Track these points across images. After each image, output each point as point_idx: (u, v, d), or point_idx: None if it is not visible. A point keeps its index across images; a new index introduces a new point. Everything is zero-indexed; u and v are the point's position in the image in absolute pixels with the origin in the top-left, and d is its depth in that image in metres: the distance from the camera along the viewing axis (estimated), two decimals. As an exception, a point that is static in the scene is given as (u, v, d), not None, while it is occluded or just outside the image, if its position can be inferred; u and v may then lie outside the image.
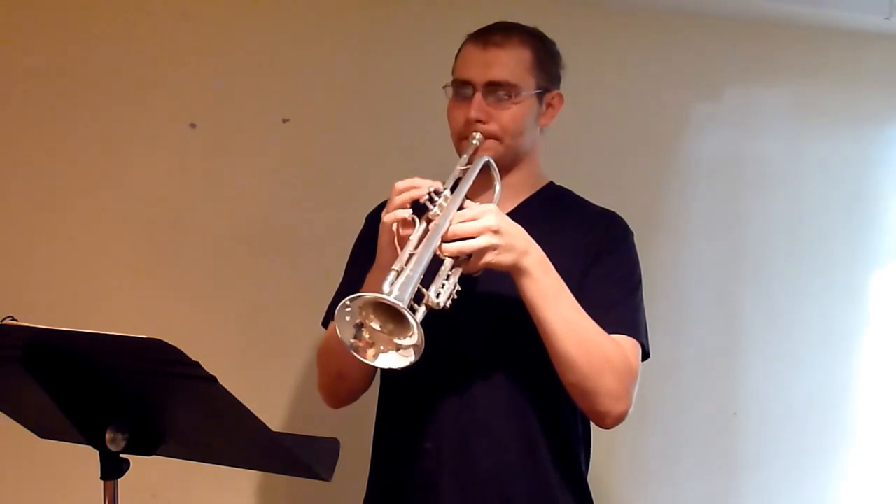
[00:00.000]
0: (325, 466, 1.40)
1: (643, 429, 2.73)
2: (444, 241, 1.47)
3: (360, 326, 1.39)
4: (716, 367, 2.94)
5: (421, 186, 1.52)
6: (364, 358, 1.40)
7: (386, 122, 2.48)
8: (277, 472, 1.92)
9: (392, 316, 1.37)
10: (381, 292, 1.37)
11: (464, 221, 1.49)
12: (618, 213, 1.80)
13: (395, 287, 1.38)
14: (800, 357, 3.05)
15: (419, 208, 1.53)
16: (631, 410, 1.65)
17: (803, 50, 2.98)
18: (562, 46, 1.79)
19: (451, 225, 1.48)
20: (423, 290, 1.42)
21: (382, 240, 1.55)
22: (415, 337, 1.35)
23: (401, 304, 1.34)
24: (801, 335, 3.04)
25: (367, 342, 1.40)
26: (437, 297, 1.43)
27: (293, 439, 1.44)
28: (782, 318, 3.01)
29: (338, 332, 1.38)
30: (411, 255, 1.45)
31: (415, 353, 1.37)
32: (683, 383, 2.87)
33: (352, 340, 1.39)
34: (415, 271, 1.40)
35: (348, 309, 1.38)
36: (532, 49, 1.71)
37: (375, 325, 1.39)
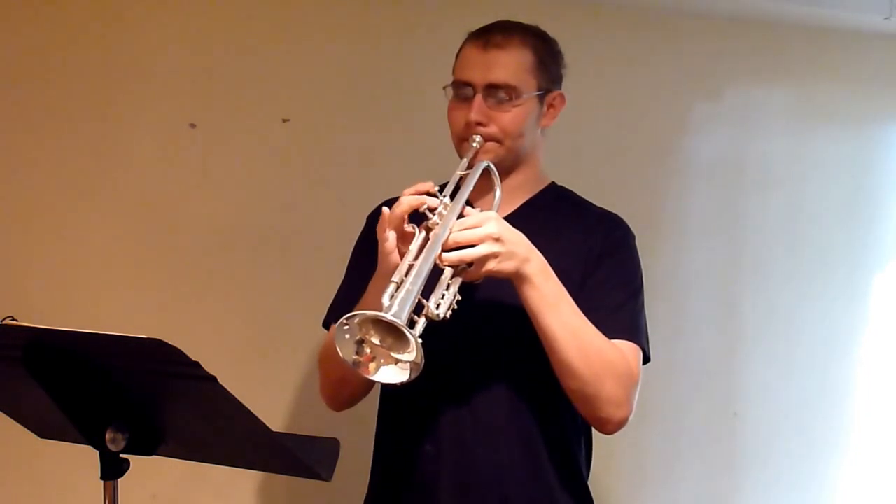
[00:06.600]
0: (325, 466, 1.40)
1: (643, 429, 2.73)
2: (444, 250, 1.46)
3: (360, 342, 1.38)
4: (716, 367, 2.94)
5: (423, 198, 1.51)
6: (366, 373, 1.39)
7: (386, 122, 2.48)
8: (277, 472, 1.92)
9: (391, 330, 1.36)
10: (381, 305, 1.36)
11: (464, 229, 1.48)
12: (618, 214, 1.80)
13: (395, 302, 1.36)
14: (800, 357, 3.05)
15: (418, 217, 1.51)
16: (632, 416, 1.65)
17: (803, 50, 2.98)
18: (561, 46, 1.78)
19: (451, 233, 1.47)
20: (423, 301, 1.40)
21: (380, 248, 1.53)
22: (414, 353, 1.35)
23: (399, 322, 1.33)
24: (800, 335, 3.04)
25: (369, 357, 1.39)
26: (437, 308, 1.41)
27: (293, 439, 1.44)
28: (782, 318, 3.01)
29: (339, 350, 1.37)
30: (411, 266, 1.44)
31: (413, 370, 1.36)
32: (683, 383, 2.87)
33: (354, 357, 1.38)
34: (415, 284, 1.39)
35: (346, 327, 1.36)
36: (533, 49, 1.70)
37: (375, 340, 1.38)
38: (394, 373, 1.38)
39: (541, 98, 1.72)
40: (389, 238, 1.51)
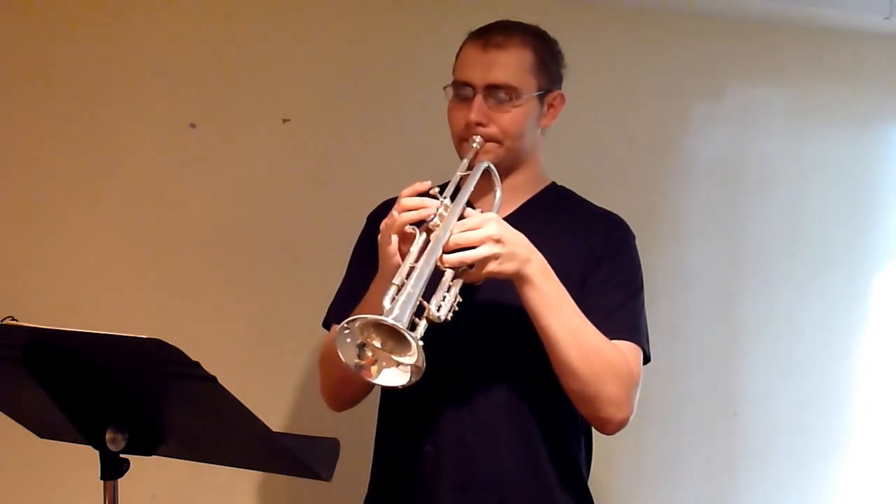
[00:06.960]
0: (325, 466, 1.40)
1: (643, 429, 2.73)
2: (445, 251, 1.46)
3: (362, 346, 1.38)
4: (716, 367, 2.94)
5: (429, 206, 1.50)
6: (368, 376, 1.39)
7: (386, 121, 2.48)
8: (278, 472, 1.92)
9: (392, 333, 1.36)
10: (382, 308, 1.36)
11: (465, 231, 1.48)
12: (618, 214, 1.80)
13: (396, 305, 1.36)
14: (799, 357, 3.05)
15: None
16: (633, 417, 1.65)
17: (803, 50, 2.98)
18: (561, 46, 1.78)
19: (451, 235, 1.47)
20: (425, 303, 1.40)
21: (383, 251, 1.53)
22: (415, 356, 1.34)
23: (400, 326, 1.33)
24: (800, 335, 3.04)
25: (370, 360, 1.39)
26: (439, 310, 1.41)
27: (293, 439, 1.44)
28: (782, 318, 3.01)
29: (340, 354, 1.37)
30: (412, 269, 1.43)
31: (414, 373, 1.36)
32: (683, 383, 2.87)
33: (355, 360, 1.38)
34: (416, 287, 1.39)
35: (347, 331, 1.36)
36: (533, 49, 1.70)
37: (377, 343, 1.38)
38: (395, 375, 1.38)
39: (541, 98, 1.71)
40: (392, 241, 1.51)
